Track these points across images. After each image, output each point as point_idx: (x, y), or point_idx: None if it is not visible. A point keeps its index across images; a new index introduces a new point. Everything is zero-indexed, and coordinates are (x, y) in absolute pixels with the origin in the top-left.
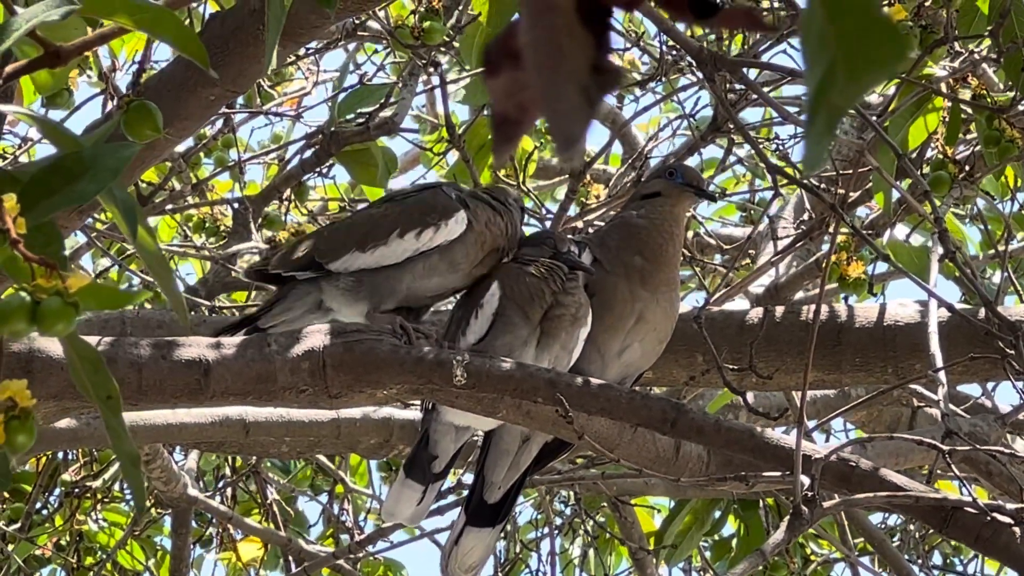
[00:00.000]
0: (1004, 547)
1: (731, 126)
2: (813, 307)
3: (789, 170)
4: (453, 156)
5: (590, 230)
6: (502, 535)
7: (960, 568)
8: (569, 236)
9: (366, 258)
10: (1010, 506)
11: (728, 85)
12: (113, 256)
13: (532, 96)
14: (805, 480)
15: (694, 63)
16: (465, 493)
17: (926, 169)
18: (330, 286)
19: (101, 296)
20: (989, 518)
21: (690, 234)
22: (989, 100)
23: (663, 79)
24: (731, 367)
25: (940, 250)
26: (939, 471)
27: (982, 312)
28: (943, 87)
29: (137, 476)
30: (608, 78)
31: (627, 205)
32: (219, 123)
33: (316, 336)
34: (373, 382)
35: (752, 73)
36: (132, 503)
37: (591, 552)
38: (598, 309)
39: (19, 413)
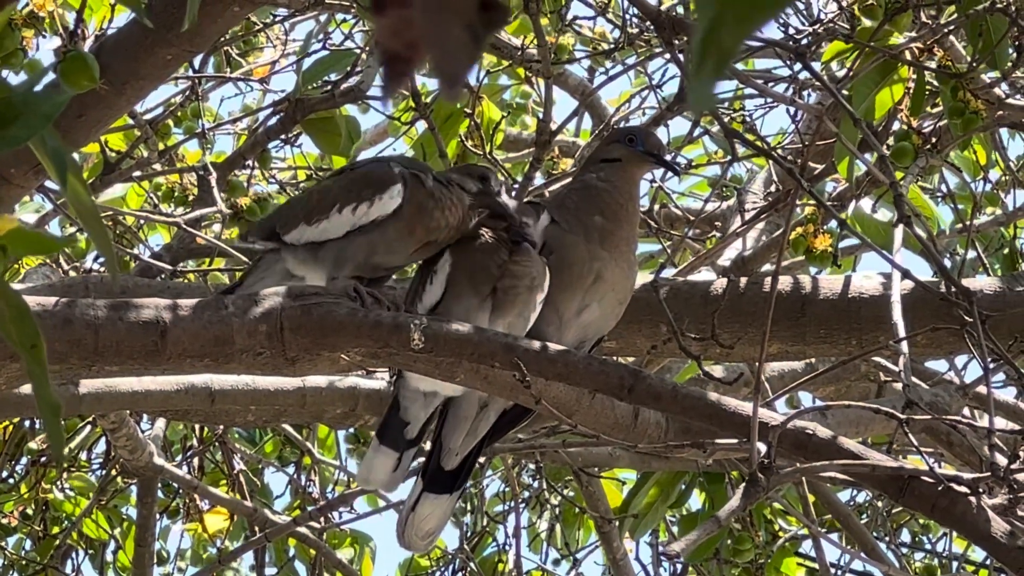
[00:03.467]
0: (960, 517)
1: None
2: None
3: (752, 138)
4: (421, 127)
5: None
6: (468, 508)
7: (929, 546)
8: (528, 200)
9: (312, 231)
10: (966, 476)
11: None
12: (80, 223)
13: (419, 34)
14: (762, 447)
15: (653, 28)
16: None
17: (891, 142)
18: (290, 255)
19: (30, 241)
20: (946, 487)
21: (657, 207)
22: (954, 71)
23: (626, 47)
24: (693, 336)
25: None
26: (902, 446)
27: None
28: (907, 55)
29: (56, 426)
30: (494, 16)
31: (585, 167)
32: (186, 94)
33: (274, 299)
34: (330, 345)
35: None
36: (99, 472)
37: (558, 526)
38: (556, 268)
39: None
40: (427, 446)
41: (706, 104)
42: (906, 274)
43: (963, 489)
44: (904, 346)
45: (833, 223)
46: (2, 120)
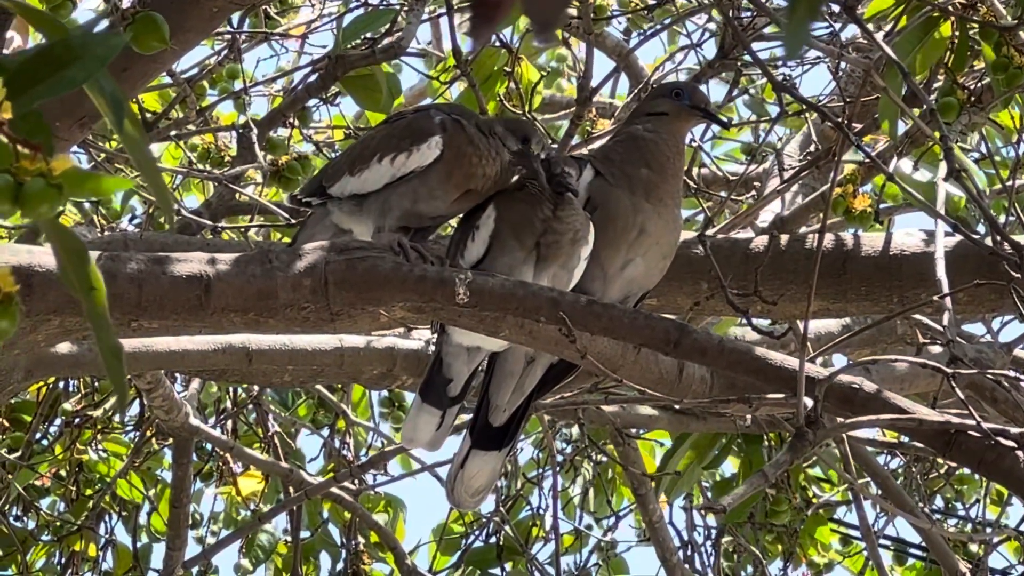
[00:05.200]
0: (1007, 471)
1: (738, 55)
2: (818, 235)
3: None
4: (458, 89)
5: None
6: (503, 472)
7: (962, 512)
8: (570, 155)
9: (354, 182)
10: (1014, 430)
11: (736, 13)
12: (136, 170)
13: None
14: (808, 401)
15: None
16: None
17: (933, 98)
18: (336, 209)
19: (86, 181)
20: (993, 442)
21: (696, 168)
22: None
23: (670, 2)
24: (735, 291)
25: (945, 172)
26: (944, 405)
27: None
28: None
29: (119, 369)
30: None
31: (630, 121)
32: (223, 53)
33: (318, 253)
34: (375, 300)
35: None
36: (132, 434)
37: (591, 491)
38: (600, 222)
39: (2, 298)
40: (470, 404)
41: (799, 48)
42: (955, 228)
43: (1010, 444)
44: (948, 301)
45: (868, 186)
46: (60, 62)
